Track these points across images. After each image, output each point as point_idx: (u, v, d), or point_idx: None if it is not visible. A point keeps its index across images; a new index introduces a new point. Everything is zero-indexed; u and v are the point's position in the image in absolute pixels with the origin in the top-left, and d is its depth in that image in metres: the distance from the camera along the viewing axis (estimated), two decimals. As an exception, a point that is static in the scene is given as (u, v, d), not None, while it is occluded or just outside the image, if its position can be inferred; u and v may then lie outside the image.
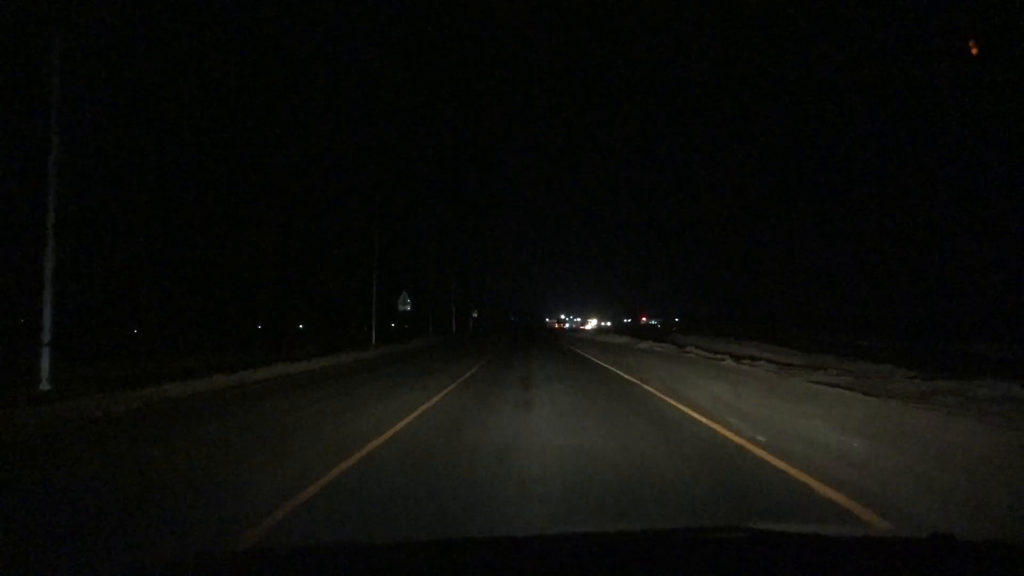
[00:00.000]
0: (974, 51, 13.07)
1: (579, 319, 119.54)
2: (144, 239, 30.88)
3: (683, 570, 1.30)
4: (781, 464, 4.31)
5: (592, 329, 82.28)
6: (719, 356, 16.22)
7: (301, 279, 42.35)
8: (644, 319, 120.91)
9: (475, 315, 66.28)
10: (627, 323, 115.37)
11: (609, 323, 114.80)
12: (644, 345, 23.26)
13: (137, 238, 30.29)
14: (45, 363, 8.43)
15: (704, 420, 6.27)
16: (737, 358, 15.24)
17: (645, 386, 9.62)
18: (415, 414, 6.71)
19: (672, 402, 7.68)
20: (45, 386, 8.37)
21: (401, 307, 26.92)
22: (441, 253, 51.20)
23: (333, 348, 20.85)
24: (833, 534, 1.70)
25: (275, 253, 39.82)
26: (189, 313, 36.66)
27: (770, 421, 6.06)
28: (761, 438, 5.22)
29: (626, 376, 11.59)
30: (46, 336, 8.48)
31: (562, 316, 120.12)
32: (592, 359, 16.90)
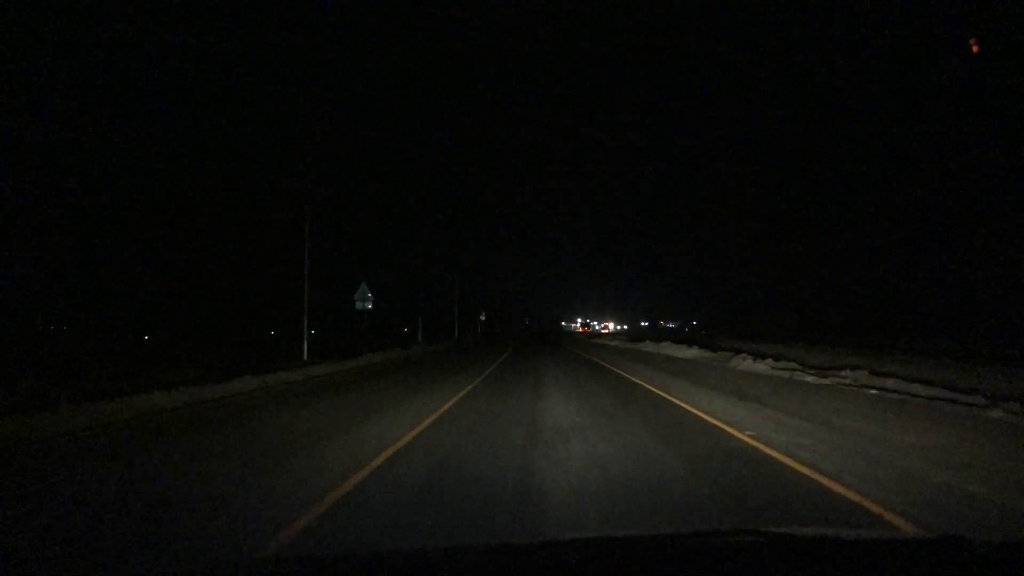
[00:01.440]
0: (975, 49, 14.87)
1: (595, 323, 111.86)
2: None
3: (694, 575, 1.26)
4: None
5: (621, 334, 73.43)
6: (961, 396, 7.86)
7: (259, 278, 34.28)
8: (661, 322, 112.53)
9: (482, 318, 57.65)
10: (644, 327, 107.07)
11: (625, 327, 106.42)
12: (754, 367, 13.52)
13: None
14: None
15: None
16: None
17: None
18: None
19: None
20: None
21: (359, 305, 18.81)
22: (438, 247, 43.05)
23: (236, 368, 12.91)
24: (844, 537, 1.56)
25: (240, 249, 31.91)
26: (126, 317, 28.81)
27: None
28: None
29: None
30: None
31: (579, 319, 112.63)
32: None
